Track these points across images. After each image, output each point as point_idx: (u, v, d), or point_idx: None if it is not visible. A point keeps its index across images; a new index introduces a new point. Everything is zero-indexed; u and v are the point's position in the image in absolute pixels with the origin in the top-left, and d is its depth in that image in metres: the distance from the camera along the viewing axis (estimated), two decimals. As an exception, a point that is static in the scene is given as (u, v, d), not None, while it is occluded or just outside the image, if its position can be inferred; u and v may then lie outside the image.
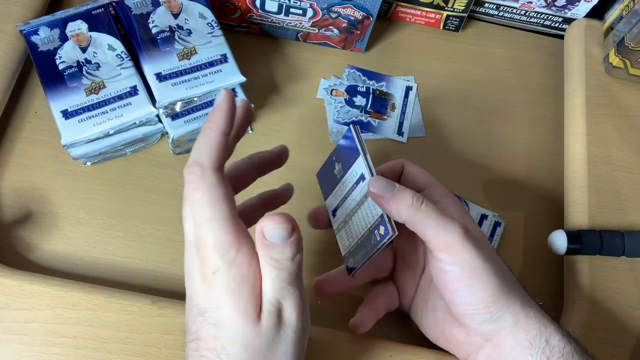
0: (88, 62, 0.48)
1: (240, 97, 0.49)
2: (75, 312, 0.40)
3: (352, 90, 0.56)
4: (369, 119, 0.55)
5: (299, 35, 0.57)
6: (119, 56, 0.48)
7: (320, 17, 0.54)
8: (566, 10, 0.60)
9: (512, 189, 0.54)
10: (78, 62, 0.47)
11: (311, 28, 0.55)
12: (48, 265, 0.45)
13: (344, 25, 0.55)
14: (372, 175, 0.37)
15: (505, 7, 0.61)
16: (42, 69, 0.47)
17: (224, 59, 0.49)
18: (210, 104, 0.49)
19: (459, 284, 0.36)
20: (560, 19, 0.61)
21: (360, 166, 0.39)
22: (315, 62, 0.58)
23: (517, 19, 0.62)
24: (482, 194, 0.53)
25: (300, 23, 0.55)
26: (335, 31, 0.56)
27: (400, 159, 0.42)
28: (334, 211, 0.42)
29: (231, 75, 0.49)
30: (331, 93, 0.56)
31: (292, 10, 0.53)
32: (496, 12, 0.62)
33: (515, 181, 0.55)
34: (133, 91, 0.47)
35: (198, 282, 0.32)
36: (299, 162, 0.52)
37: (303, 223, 0.43)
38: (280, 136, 0.53)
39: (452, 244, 0.35)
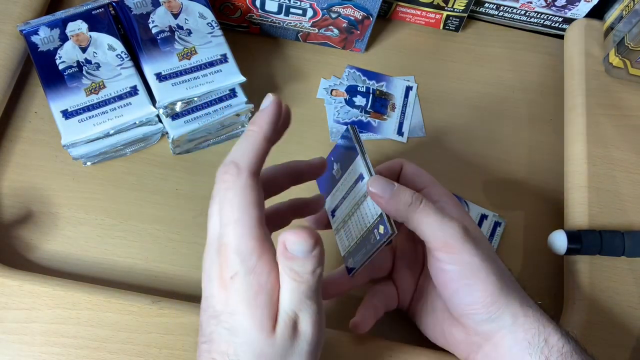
0: (88, 62, 0.48)
1: (241, 97, 0.49)
2: (75, 312, 0.40)
3: (352, 90, 0.56)
4: (369, 119, 0.55)
5: (299, 35, 0.57)
6: (119, 56, 0.48)
7: (320, 17, 0.54)
8: (566, 10, 0.60)
9: (512, 189, 0.54)
10: (78, 62, 0.48)
11: (311, 28, 0.56)
12: (48, 265, 0.45)
13: (344, 25, 0.55)
14: (371, 175, 0.37)
15: (505, 7, 0.61)
16: (42, 69, 0.47)
17: (224, 59, 0.49)
18: (210, 103, 0.49)
19: (458, 284, 0.36)
20: (560, 19, 0.61)
21: (358, 166, 0.39)
22: (315, 62, 0.58)
23: (517, 19, 0.62)
24: (482, 194, 0.53)
25: (300, 23, 0.55)
26: (335, 31, 0.56)
27: (399, 159, 0.42)
28: (333, 211, 0.42)
29: (231, 75, 0.49)
30: (331, 93, 0.56)
31: (292, 10, 0.53)
32: (496, 12, 0.62)
33: (515, 181, 0.55)
34: (133, 91, 0.47)
35: (215, 284, 0.31)
36: (298, 162, 0.52)
37: (303, 223, 0.43)
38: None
39: (451, 244, 0.35)
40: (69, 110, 0.46)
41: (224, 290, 0.30)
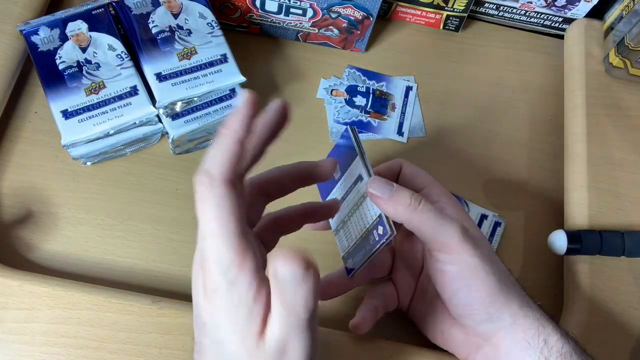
0: (88, 62, 0.48)
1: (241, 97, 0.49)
2: (75, 312, 0.40)
3: (352, 90, 0.56)
4: (369, 119, 0.55)
5: (299, 35, 0.57)
6: (119, 56, 0.48)
7: (320, 17, 0.54)
8: (566, 10, 0.60)
9: (512, 189, 0.54)
10: (78, 62, 0.48)
11: (311, 28, 0.56)
12: (48, 265, 0.45)
13: (344, 25, 0.55)
14: (370, 175, 0.37)
15: (505, 7, 0.61)
16: (42, 69, 0.47)
17: (224, 59, 0.49)
18: (210, 103, 0.49)
19: (457, 284, 0.36)
20: (560, 19, 0.61)
21: (357, 167, 0.39)
22: (315, 62, 0.58)
23: (517, 19, 0.62)
24: (482, 194, 0.53)
25: (300, 23, 0.55)
26: (335, 31, 0.56)
27: (398, 159, 0.42)
28: (333, 211, 0.42)
29: (231, 75, 0.49)
30: (331, 93, 0.56)
31: (292, 10, 0.53)
32: (496, 12, 0.62)
33: (515, 181, 0.55)
34: (133, 91, 0.47)
35: (201, 294, 0.30)
36: (298, 162, 0.52)
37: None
38: (280, 136, 0.53)
39: (450, 244, 0.35)
40: (69, 110, 0.46)
41: (208, 302, 0.30)
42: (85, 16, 0.49)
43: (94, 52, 0.48)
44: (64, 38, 0.48)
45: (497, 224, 0.51)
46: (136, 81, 0.48)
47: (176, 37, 0.49)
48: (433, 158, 0.54)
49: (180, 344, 0.40)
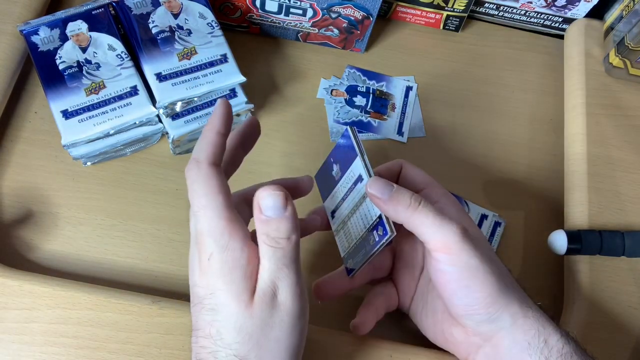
0: (88, 62, 0.48)
1: (241, 97, 0.49)
2: (75, 312, 0.40)
3: (352, 90, 0.56)
4: (369, 119, 0.55)
5: (299, 35, 0.57)
6: (119, 56, 0.48)
7: (320, 17, 0.54)
8: (566, 10, 0.60)
9: (512, 189, 0.54)
10: (78, 62, 0.48)
11: (311, 28, 0.56)
12: (48, 265, 0.45)
13: (344, 25, 0.55)
14: (370, 176, 0.37)
15: (505, 7, 0.61)
16: (42, 69, 0.47)
17: (224, 59, 0.49)
18: (210, 104, 0.49)
19: (457, 285, 0.36)
20: (560, 19, 0.61)
21: (357, 167, 0.39)
22: (315, 62, 0.58)
23: (517, 19, 0.62)
24: (482, 194, 0.53)
25: (300, 23, 0.55)
26: (335, 31, 0.56)
27: (398, 160, 0.42)
28: (333, 212, 0.42)
29: (231, 75, 0.49)
30: (331, 93, 0.56)
31: (292, 10, 0.53)
32: (496, 12, 0.62)
33: (515, 181, 0.55)
34: (133, 91, 0.47)
35: (197, 272, 0.33)
36: (298, 163, 0.52)
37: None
38: (280, 136, 0.53)
39: (450, 245, 0.35)
40: (69, 110, 0.46)
41: (204, 275, 0.32)
42: (86, 16, 0.49)
43: (94, 52, 0.48)
44: (64, 38, 0.48)
45: (497, 224, 0.51)
46: (136, 81, 0.48)
47: (176, 37, 0.49)
48: (433, 158, 0.54)
49: (180, 344, 0.40)
